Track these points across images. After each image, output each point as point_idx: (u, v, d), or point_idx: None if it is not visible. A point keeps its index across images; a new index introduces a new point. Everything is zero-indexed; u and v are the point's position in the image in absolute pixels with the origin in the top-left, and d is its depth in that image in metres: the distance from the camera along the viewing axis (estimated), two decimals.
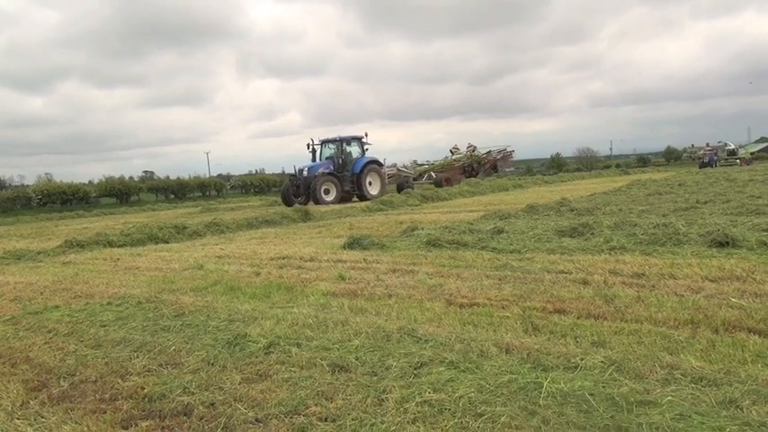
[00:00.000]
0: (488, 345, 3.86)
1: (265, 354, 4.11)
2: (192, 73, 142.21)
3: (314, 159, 27.89)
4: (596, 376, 3.23)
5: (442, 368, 3.54)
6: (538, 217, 11.57)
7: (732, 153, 68.41)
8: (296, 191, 26.31)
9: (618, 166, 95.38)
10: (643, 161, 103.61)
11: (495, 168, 40.53)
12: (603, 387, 3.06)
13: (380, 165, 29.16)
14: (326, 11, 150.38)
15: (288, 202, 26.23)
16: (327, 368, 3.72)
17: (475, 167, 37.56)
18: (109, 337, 4.94)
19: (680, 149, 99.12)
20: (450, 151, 38.74)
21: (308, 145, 28.36)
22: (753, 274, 5.37)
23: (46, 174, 69.30)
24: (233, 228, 15.18)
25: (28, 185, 46.69)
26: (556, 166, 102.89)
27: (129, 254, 11.18)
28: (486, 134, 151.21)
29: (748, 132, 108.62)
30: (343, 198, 26.30)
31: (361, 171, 27.22)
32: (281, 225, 15.98)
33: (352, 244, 9.38)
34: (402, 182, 32.18)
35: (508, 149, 40.43)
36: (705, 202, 12.31)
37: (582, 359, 3.47)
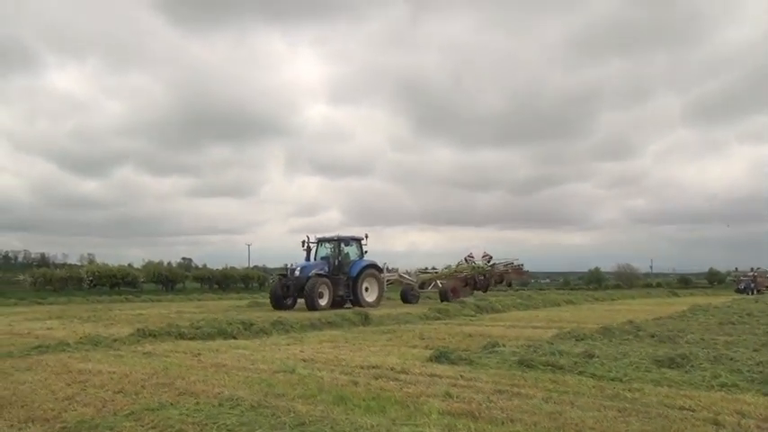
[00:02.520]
0: None
1: None
2: (242, 166, 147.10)
3: (308, 258, 26.48)
4: None
5: None
6: (618, 341, 11.36)
7: None
8: (285, 291, 24.66)
9: (659, 285, 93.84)
10: (685, 281, 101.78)
11: (502, 280, 37.56)
12: None
13: (380, 270, 27.53)
14: (377, 115, 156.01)
15: (277, 304, 24.49)
16: None
17: (479, 280, 34.66)
18: None
19: (723, 272, 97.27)
20: (465, 259, 36.55)
21: (303, 242, 26.89)
22: None
23: (89, 254, 71.18)
24: (297, 328, 15.22)
25: (78, 266, 47.92)
26: (595, 280, 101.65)
27: (205, 348, 11.26)
28: (524, 243, 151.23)
29: None
30: (335, 303, 24.58)
31: (359, 275, 25.57)
32: (342, 327, 15.99)
33: (440, 357, 9.30)
34: (406, 290, 30.48)
35: (515, 263, 37.81)
36: None
37: None
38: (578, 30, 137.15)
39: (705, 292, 58.68)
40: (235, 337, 13.52)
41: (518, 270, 37.72)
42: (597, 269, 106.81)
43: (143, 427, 5.56)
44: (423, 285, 32.57)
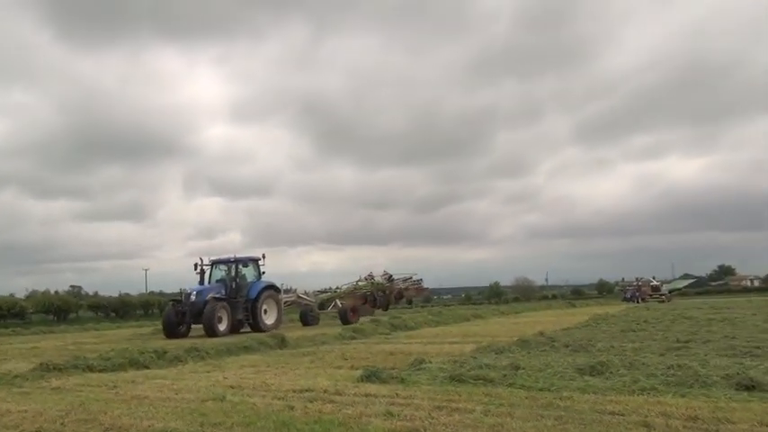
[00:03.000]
0: None
1: None
2: (137, 188, 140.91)
3: (201, 282, 25.15)
4: None
5: None
6: (537, 352, 11.81)
7: (656, 289, 71.75)
8: (181, 318, 23.17)
9: (554, 296, 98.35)
10: (577, 293, 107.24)
11: (402, 297, 37.34)
12: None
13: (278, 290, 26.70)
14: (279, 135, 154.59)
15: (171, 332, 22.85)
16: None
17: (378, 298, 34.19)
18: None
19: (611, 283, 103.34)
20: (365, 278, 35.93)
21: (196, 265, 25.45)
22: None
23: None
24: (213, 354, 14.74)
25: None
26: (495, 294, 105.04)
27: (120, 380, 10.69)
28: (426, 260, 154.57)
29: (672, 268, 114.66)
30: (234, 327, 23.53)
31: (257, 297, 24.59)
32: (260, 352, 15.63)
33: (370, 376, 9.31)
34: (305, 311, 29.44)
35: (414, 278, 37.92)
36: (687, 341, 12.87)
37: None
38: (475, 52, 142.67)
39: (597, 301, 62.04)
40: (147, 367, 12.91)
41: (418, 287, 37.85)
42: (497, 283, 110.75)
43: None
44: (322, 306, 31.70)
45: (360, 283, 34.98)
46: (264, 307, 25.00)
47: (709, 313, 23.47)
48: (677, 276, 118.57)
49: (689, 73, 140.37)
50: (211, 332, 21.82)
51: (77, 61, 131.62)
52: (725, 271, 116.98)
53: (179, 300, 24.20)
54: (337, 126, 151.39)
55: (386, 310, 35.06)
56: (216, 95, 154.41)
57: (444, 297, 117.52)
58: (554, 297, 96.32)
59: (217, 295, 23.57)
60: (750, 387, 7.18)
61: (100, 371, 12.36)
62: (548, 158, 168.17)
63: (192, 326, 23.69)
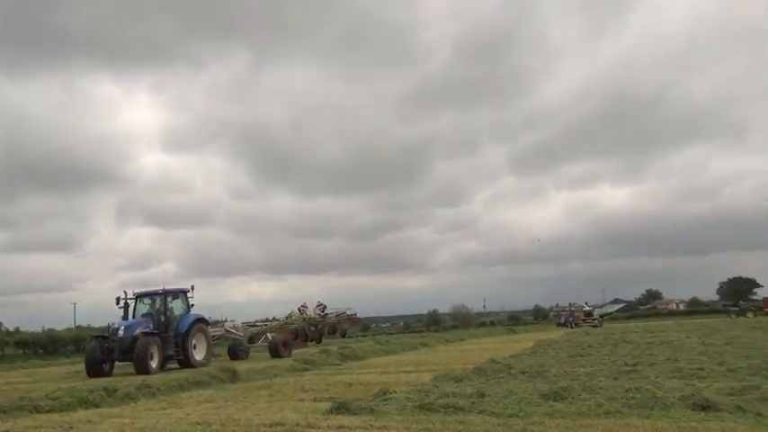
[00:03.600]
0: None
1: None
2: (66, 218, 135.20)
3: (126, 316, 23.65)
4: None
5: None
6: (495, 380, 12.08)
7: (588, 314, 74.17)
8: (107, 355, 21.80)
9: (492, 323, 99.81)
10: (514, 318, 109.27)
11: (335, 331, 37.15)
12: None
13: (207, 324, 25.58)
14: (216, 164, 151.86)
15: (94, 370, 21.32)
16: None
17: (309, 331, 33.58)
18: None
19: (546, 308, 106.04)
20: (299, 309, 35.00)
21: (119, 299, 23.99)
22: None
23: None
24: (164, 390, 14.36)
25: None
26: (434, 322, 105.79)
27: (74, 421, 10.28)
28: (364, 289, 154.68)
29: (602, 294, 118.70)
30: (162, 364, 22.26)
31: (188, 331, 23.18)
32: (212, 386, 15.31)
33: (339, 408, 9.33)
34: (234, 345, 28.25)
35: (348, 312, 37.63)
36: (635, 365, 13.44)
37: None
38: (415, 83, 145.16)
39: (535, 327, 63.40)
40: (98, 406, 12.45)
41: (351, 319, 37.69)
42: (435, 311, 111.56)
43: None
44: (252, 339, 30.72)
45: (291, 318, 34.13)
46: (194, 341, 23.67)
47: (646, 337, 24.46)
48: (608, 301, 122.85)
49: (618, 105, 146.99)
50: (143, 369, 20.51)
51: (6, 88, 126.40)
52: (652, 295, 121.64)
53: (104, 336, 22.87)
54: (276, 155, 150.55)
55: (319, 342, 34.40)
56: (152, 123, 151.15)
57: (382, 325, 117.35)
58: (492, 324, 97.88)
59: (146, 330, 22.28)
60: (706, 407, 7.62)
61: (48, 411, 11.84)
62: (485, 187, 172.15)
63: (117, 363, 22.51)
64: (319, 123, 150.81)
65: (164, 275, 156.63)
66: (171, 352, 22.72)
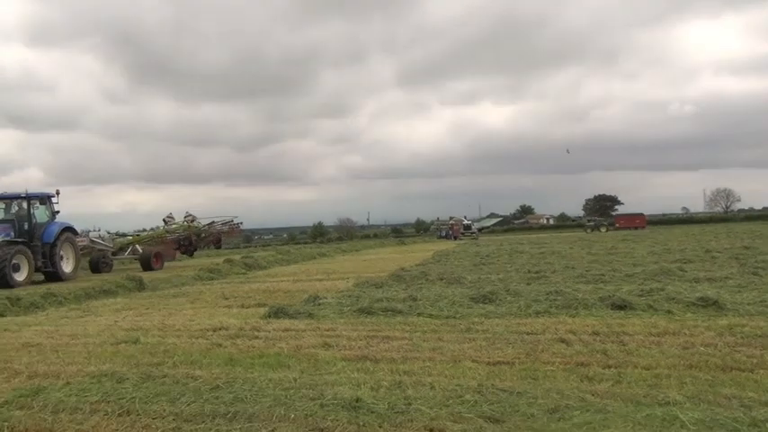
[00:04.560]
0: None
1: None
2: None
3: None
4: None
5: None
6: (418, 285, 12.64)
7: (468, 227, 78.23)
8: None
9: (375, 235, 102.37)
10: (397, 232, 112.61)
11: (218, 243, 35.78)
12: None
13: (76, 233, 23.30)
14: (87, 63, 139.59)
15: None
16: None
17: (193, 241, 32.00)
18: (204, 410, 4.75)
19: (428, 222, 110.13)
20: (164, 221, 32.39)
21: None
22: (683, 329, 7.00)
23: None
24: (71, 299, 13.84)
25: None
26: (319, 234, 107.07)
27: None
28: (247, 200, 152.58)
29: (479, 208, 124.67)
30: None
31: (55, 242, 21.12)
32: (121, 295, 14.94)
33: (277, 313, 9.50)
34: (97, 257, 25.89)
35: (235, 221, 35.61)
36: (537, 272, 14.51)
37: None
38: None
39: (417, 239, 65.90)
40: (2, 315, 11.88)
41: (234, 229, 35.71)
42: (320, 223, 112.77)
43: (36, 414, 4.93)
44: (120, 251, 28.13)
45: (172, 226, 31.74)
46: (62, 252, 21.59)
47: (534, 248, 26.25)
48: (484, 215, 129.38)
49: (503, 26, 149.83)
50: (4, 283, 18.15)
51: None
52: (525, 210, 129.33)
53: None
54: (154, 57, 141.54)
55: (191, 255, 32.88)
56: (11, 13, 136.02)
57: (265, 237, 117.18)
58: (375, 236, 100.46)
59: (7, 238, 19.74)
60: (623, 306, 8.49)
61: None
62: (370, 100, 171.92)
63: None
64: (203, 25, 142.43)
65: (28, 183, 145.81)
66: (39, 263, 20.63)
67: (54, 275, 20.92)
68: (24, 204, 21.29)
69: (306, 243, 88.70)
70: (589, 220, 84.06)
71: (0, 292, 14.13)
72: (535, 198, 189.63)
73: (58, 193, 22.64)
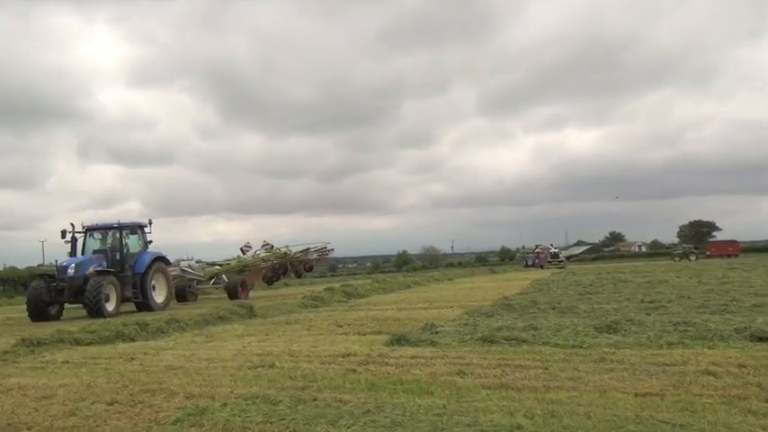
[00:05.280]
0: None
1: None
2: (24, 154, 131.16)
3: (74, 252, 21.43)
4: None
5: None
6: (529, 314, 12.52)
7: (555, 256, 76.43)
8: (56, 296, 19.73)
9: (460, 264, 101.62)
10: (482, 260, 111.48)
11: (310, 270, 35.92)
12: None
13: (168, 263, 23.63)
14: (183, 101, 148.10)
15: (40, 314, 19.42)
16: None
17: (286, 267, 32.04)
18: None
19: (512, 250, 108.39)
20: (241, 250, 32.25)
21: (65, 232, 21.40)
22: None
23: None
24: (192, 325, 14.56)
25: None
26: (403, 262, 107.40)
27: (128, 352, 10.44)
28: (331, 229, 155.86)
29: (566, 236, 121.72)
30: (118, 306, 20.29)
31: (146, 271, 21.33)
32: (236, 321, 15.60)
33: (399, 340, 9.66)
34: (184, 286, 26.03)
35: (327, 247, 35.79)
36: (652, 302, 14.06)
37: None
38: (387, 21, 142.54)
39: (509, 268, 64.90)
40: (134, 339, 12.66)
41: (323, 255, 35.72)
42: (405, 252, 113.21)
43: (211, 429, 5.26)
44: (212, 280, 28.69)
45: (265, 254, 31.91)
46: (153, 282, 21.78)
47: (638, 277, 25.41)
48: (571, 243, 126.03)
49: (587, 49, 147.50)
50: (97, 312, 18.67)
51: None
52: (615, 237, 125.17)
53: (50, 274, 20.73)
54: (244, 93, 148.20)
55: (271, 284, 33.02)
56: (113, 56, 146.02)
57: (350, 266, 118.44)
58: (460, 264, 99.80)
59: (99, 268, 20.18)
60: (762, 339, 8.12)
61: (87, 344, 12.00)
62: (453, 129, 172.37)
63: (67, 305, 20.75)
64: (289, 60, 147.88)
65: (127, 214, 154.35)
66: (129, 293, 20.90)
67: (145, 305, 21.07)
68: (117, 234, 21.79)
69: (390, 272, 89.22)
70: (677, 248, 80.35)
71: (131, 317, 15.05)
72: (625, 225, 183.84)
73: (150, 222, 22.99)
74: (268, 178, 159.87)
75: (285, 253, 32.20)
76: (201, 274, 28.06)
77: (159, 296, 22.19)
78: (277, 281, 33.25)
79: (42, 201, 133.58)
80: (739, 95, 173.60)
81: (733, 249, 74.75)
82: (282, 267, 31.74)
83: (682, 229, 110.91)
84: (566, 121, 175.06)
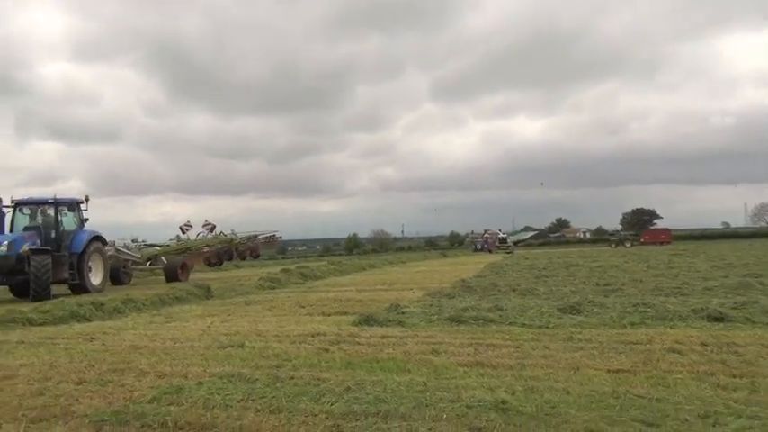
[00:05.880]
0: None
1: None
2: None
3: (1, 229, 19.57)
4: None
5: None
6: (491, 296, 12.71)
7: (503, 241, 77.84)
8: None
9: (410, 248, 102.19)
10: (431, 244, 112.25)
11: (257, 255, 35.52)
12: None
13: (105, 242, 21.87)
14: (128, 76, 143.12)
15: None
16: None
17: (231, 253, 31.45)
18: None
19: (462, 234, 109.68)
20: (181, 228, 30.66)
21: None
22: None
23: None
24: (149, 305, 14.24)
25: None
26: (354, 245, 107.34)
27: (87, 332, 10.13)
28: (280, 212, 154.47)
29: (513, 221, 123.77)
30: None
31: (84, 251, 19.77)
32: (193, 302, 15.36)
33: (368, 320, 9.68)
34: (117, 267, 24.09)
35: (277, 234, 36.02)
36: (606, 284, 14.47)
37: None
38: (340, 5, 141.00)
39: (456, 252, 65.79)
40: (89, 319, 12.33)
41: (271, 241, 35.97)
42: (355, 235, 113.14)
43: (191, 407, 5.16)
44: (149, 262, 27.35)
45: (210, 238, 31.04)
46: (90, 263, 20.23)
47: (587, 262, 26.10)
48: (518, 229, 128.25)
49: (538, 39, 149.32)
50: (43, 294, 17.07)
51: None
52: (561, 224, 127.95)
53: None
54: (193, 71, 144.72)
55: (212, 266, 31.76)
56: (56, 29, 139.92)
57: (299, 249, 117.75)
58: (410, 248, 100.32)
59: (33, 247, 18.41)
60: (719, 319, 8.47)
61: (41, 324, 11.62)
62: (405, 114, 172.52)
63: None
64: (241, 41, 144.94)
65: (69, 193, 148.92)
66: (65, 274, 19.13)
67: (80, 287, 19.43)
68: (51, 211, 20.18)
69: (341, 254, 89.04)
70: (612, 235, 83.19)
71: (84, 298, 14.61)
72: (571, 212, 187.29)
73: (87, 199, 21.35)
74: (217, 159, 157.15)
75: (231, 239, 31.37)
76: (138, 255, 26.40)
77: (96, 278, 20.57)
78: (220, 265, 32.17)
79: None
80: (682, 88, 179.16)
81: (665, 237, 77.82)
82: (228, 253, 31.12)
83: (624, 216, 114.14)
84: (516, 110, 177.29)
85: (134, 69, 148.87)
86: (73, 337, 9.66)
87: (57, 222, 19.97)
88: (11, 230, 19.61)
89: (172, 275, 24.13)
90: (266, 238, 35.10)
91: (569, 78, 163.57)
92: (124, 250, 25.33)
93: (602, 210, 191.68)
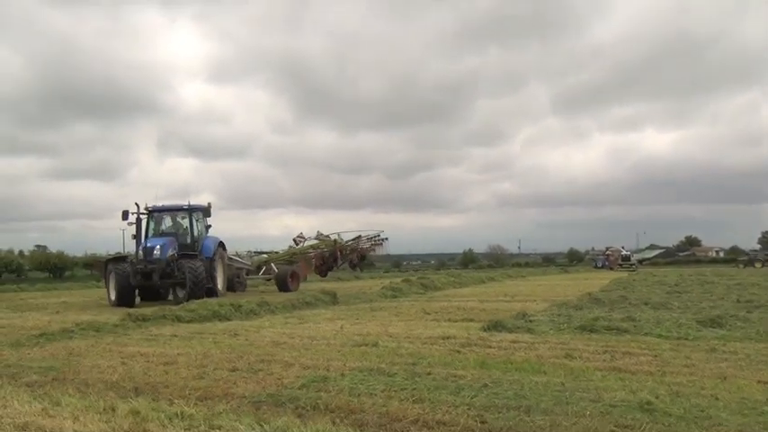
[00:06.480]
0: None
1: None
2: (109, 146, 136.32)
3: (138, 236, 19.67)
4: None
5: None
6: (621, 308, 12.36)
7: (626, 258, 74.02)
8: (143, 280, 18.42)
9: (527, 264, 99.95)
10: (549, 260, 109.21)
11: (362, 259, 33.24)
12: None
13: (225, 249, 21.95)
14: (258, 96, 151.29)
15: (126, 300, 18.13)
16: None
17: (338, 257, 29.68)
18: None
19: (582, 251, 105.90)
20: (294, 240, 30.06)
21: (126, 213, 19.67)
22: None
23: None
24: (281, 308, 15.02)
25: None
26: (469, 261, 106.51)
27: (230, 329, 10.90)
28: (397, 226, 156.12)
29: (637, 238, 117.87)
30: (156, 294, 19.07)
31: (213, 256, 20.00)
32: (318, 306, 15.97)
33: (496, 326, 9.75)
34: (232, 275, 23.49)
35: (381, 236, 32.51)
36: (748, 301, 13.61)
37: None
38: (460, 19, 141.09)
39: (578, 269, 63.61)
40: (229, 319, 13.17)
41: (377, 244, 32.14)
42: (470, 250, 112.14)
43: (338, 394, 5.50)
44: (259, 270, 26.96)
45: (316, 242, 29.86)
46: (218, 268, 20.43)
47: (722, 279, 24.56)
48: (643, 246, 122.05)
49: (668, 47, 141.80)
50: (198, 297, 16.85)
51: (52, 14, 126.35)
52: (691, 242, 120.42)
53: (123, 257, 19.88)
54: (317, 89, 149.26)
55: (324, 275, 30.50)
56: (194, 53, 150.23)
57: (414, 263, 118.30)
58: (527, 264, 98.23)
59: (174, 253, 18.92)
60: None
61: (188, 321, 12.57)
62: (525, 127, 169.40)
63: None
64: (362, 58, 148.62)
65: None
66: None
67: (211, 291, 19.03)
68: (185, 217, 20.75)
69: (456, 269, 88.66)
70: (745, 254, 76.44)
71: (224, 300, 15.65)
72: (703, 229, 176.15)
73: (209, 205, 21.57)
74: (337, 174, 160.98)
75: (335, 240, 29.98)
76: (249, 263, 26.42)
77: (219, 282, 20.60)
78: (330, 270, 30.80)
79: (123, 191, 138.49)
80: None
81: None
82: (332, 256, 29.38)
83: (764, 235, 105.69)
84: (644, 122, 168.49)
85: (263, 89, 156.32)
86: (219, 333, 10.43)
87: (192, 228, 20.67)
88: (145, 236, 19.94)
89: (283, 285, 24.07)
90: (371, 238, 31.87)
91: (704, 88, 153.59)
92: (236, 258, 25.44)
93: (739, 228, 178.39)
